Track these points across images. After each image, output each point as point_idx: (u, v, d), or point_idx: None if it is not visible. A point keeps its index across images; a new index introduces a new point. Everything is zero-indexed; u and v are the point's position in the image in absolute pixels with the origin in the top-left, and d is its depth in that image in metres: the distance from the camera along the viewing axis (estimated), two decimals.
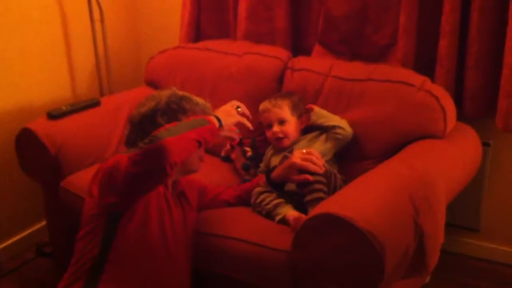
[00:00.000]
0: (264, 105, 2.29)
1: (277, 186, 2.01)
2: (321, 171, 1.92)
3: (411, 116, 2.15)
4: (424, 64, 2.37)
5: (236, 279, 1.85)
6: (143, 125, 1.81)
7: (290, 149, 2.18)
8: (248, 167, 2.26)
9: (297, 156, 1.95)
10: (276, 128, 2.24)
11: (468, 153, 2.25)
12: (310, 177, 1.90)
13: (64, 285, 1.70)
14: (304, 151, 1.97)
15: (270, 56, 2.54)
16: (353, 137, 2.21)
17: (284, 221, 1.90)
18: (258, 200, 2.00)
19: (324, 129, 2.21)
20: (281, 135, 2.23)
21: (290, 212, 1.91)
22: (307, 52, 2.64)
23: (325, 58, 2.55)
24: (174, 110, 1.83)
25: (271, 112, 2.26)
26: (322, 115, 2.22)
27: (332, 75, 2.37)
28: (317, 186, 1.90)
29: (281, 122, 2.24)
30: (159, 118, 1.81)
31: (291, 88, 2.43)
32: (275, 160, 2.18)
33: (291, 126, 2.24)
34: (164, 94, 1.88)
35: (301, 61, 2.50)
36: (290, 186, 2.02)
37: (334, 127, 2.18)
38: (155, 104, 1.83)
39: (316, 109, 2.24)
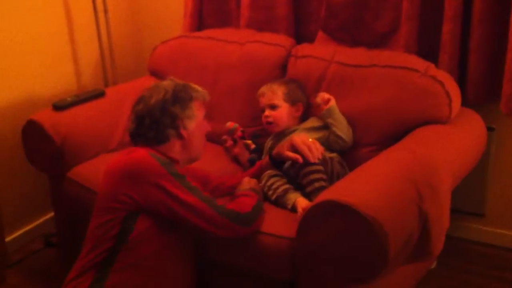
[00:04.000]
0: (261, 89, 2.33)
1: (277, 163, 2.03)
2: (312, 161, 1.93)
3: (415, 102, 2.15)
4: (427, 50, 2.36)
5: (236, 265, 1.87)
6: (154, 117, 1.83)
7: (289, 136, 2.18)
8: (254, 161, 2.26)
9: (300, 137, 1.97)
10: (267, 112, 2.27)
11: (473, 138, 2.24)
12: (300, 159, 1.92)
13: (75, 275, 1.72)
14: (310, 139, 1.99)
15: (272, 44, 2.53)
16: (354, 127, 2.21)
17: (295, 208, 1.91)
18: (268, 183, 2.01)
19: (327, 128, 2.20)
20: (270, 120, 2.26)
21: (300, 199, 1.92)
22: (309, 39, 2.63)
23: (328, 45, 2.55)
24: (183, 98, 1.87)
25: (264, 96, 2.30)
26: (335, 118, 2.17)
27: (336, 61, 2.36)
28: (316, 175, 1.92)
29: (273, 107, 2.27)
30: (171, 108, 1.84)
31: (294, 75, 2.42)
32: None
33: (282, 112, 2.26)
34: (168, 84, 1.90)
35: (304, 48, 2.50)
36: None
37: (338, 136, 2.16)
38: (163, 94, 1.85)
39: (333, 106, 2.19)
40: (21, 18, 2.61)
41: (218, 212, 1.71)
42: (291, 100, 2.29)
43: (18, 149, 2.47)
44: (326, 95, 2.20)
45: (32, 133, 2.34)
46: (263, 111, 2.30)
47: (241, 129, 2.39)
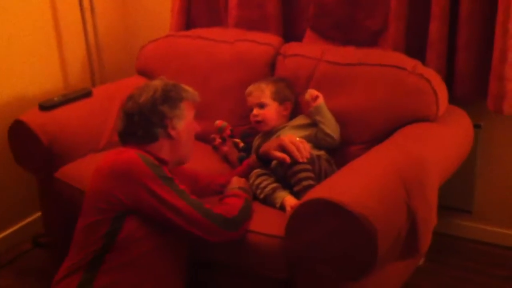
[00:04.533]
0: (248, 88, 2.33)
1: (265, 162, 2.03)
2: (301, 160, 1.93)
3: (403, 100, 2.16)
4: (415, 48, 2.37)
5: (230, 265, 1.87)
6: (143, 115, 1.82)
7: (277, 134, 2.20)
8: (244, 159, 2.27)
9: (288, 137, 1.98)
10: (255, 111, 2.27)
11: (460, 135, 2.25)
12: (288, 159, 1.92)
13: (63, 276, 1.71)
14: (298, 138, 1.99)
15: (261, 43, 2.53)
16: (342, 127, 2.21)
17: (283, 206, 1.91)
18: (256, 182, 2.01)
19: (315, 126, 2.21)
20: (259, 118, 2.26)
21: (288, 198, 1.92)
22: (298, 38, 2.63)
23: (316, 44, 2.55)
24: (172, 98, 1.86)
25: (252, 95, 2.30)
26: (323, 115, 2.18)
27: (324, 60, 2.37)
28: (304, 174, 1.92)
29: (261, 106, 2.27)
30: (160, 106, 1.83)
31: (283, 74, 2.43)
32: None
33: (270, 110, 2.27)
34: (158, 83, 1.90)
35: (292, 47, 2.50)
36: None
37: (326, 134, 2.17)
38: (153, 93, 1.85)
39: (321, 103, 2.19)
40: (6, 17, 2.59)
41: (205, 216, 1.70)
42: (280, 99, 2.29)
43: (5, 149, 2.45)
44: (314, 92, 2.20)
45: (19, 134, 2.33)
46: (251, 110, 2.30)
47: (230, 127, 2.39)
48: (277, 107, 2.28)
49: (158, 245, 1.74)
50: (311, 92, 2.22)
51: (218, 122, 2.40)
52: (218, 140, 2.40)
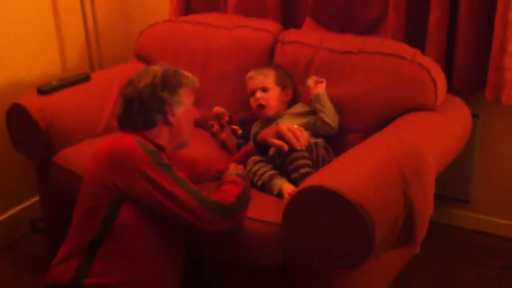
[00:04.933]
0: (250, 73, 2.33)
1: (262, 149, 2.03)
2: (298, 148, 1.93)
3: (401, 89, 2.16)
4: (414, 38, 2.36)
5: (225, 255, 1.87)
6: (142, 100, 1.81)
7: (275, 122, 2.19)
8: (242, 146, 2.27)
9: (286, 125, 1.98)
10: (258, 94, 2.26)
11: (458, 124, 2.25)
12: (285, 147, 1.92)
13: (61, 259, 1.72)
14: (296, 126, 1.99)
15: (260, 30, 2.52)
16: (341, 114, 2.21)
17: (281, 193, 1.92)
18: (254, 169, 2.01)
19: (314, 114, 2.21)
20: (263, 102, 2.25)
21: (285, 185, 1.92)
22: (298, 26, 2.62)
23: (315, 31, 2.54)
24: (172, 84, 1.85)
25: (255, 79, 2.29)
26: (323, 104, 2.17)
27: (323, 47, 2.36)
28: (302, 161, 1.92)
29: (264, 89, 2.27)
30: (160, 92, 1.82)
31: (281, 61, 2.42)
32: None
33: (274, 95, 2.27)
34: (157, 69, 1.88)
35: (291, 34, 2.49)
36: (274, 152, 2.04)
37: (325, 123, 2.16)
38: (152, 78, 1.83)
39: (322, 92, 2.18)
40: (6, 1, 2.57)
41: (202, 204, 1.69)
42: (282, 84, 2.29)
43: (3, 133, 2.44)
44: (319, 78, 2.20)
45: (17, 117, 2.32)
46: (253, 94, 2.29)
47: (228, 114, 2.39)
48: (280, 92, 2.28)
49: (155, 234, 1.74)
50: (316, 77, 2.21)
51: (217, 109, 2.39)
52: (216, 127, 2.40)
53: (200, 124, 2.32)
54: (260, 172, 2.00)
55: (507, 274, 2.38)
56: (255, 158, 2.04)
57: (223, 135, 2.38)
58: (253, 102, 2.29)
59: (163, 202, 1.68)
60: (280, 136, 1.95)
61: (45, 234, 2.65)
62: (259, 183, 1.99)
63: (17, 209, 2.79)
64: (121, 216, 1.68)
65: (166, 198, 1.68)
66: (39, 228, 2.70)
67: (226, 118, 2.38)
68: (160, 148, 1.80)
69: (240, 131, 2.36)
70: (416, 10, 2.35)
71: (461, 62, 2.31)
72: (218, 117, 2.39)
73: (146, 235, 1.72)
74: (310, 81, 2.22)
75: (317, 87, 2.19)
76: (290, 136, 1.94)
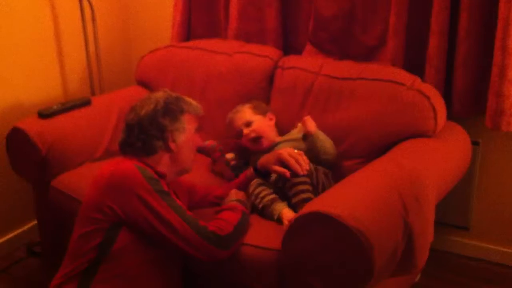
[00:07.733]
0: (228, 118, 2.36)
1: (263, 174, 2.03)
2: (301, 173, 1.92)
3: (401, 115, 2.16)
4: (414, 64, 2.38)
5: (222, 278, 1.85)
6: (142, 127, 1.81)
7: (274, 149, 2.19)
8: (240, 173, 2.26)
9: (286, 150, 1.97)
10: (246, 130, 2.28)
11: (458, 151, 2.25)
12: (288, 173, 1.91)
13: (57, 284, 1.70)
14: (296, 151, 1.99)
15: (260, 55, 2.54)
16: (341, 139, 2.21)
17: (280, 219, 1.91)
18: (256, 192, 2.00)
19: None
20: (254, 134, 2.27)
21: (285, 211, 1.91)
22: (298, 51, 2.64)
23: (315, 57, 2.56)
24: (173, 110, 1.85)
25: (235, 119, 2.33)
26: (318, 145, 2.14)
27: (323, 73, 2.38)
28: (302, 187, 1.92)
29: (248, 124, 2.29)
30: (161, 119, 1.82)
31: (281, 87, 2.44)
32: None
33: (259, 124, 2.29)
34: (160, 95, 1.88)
35: (291, 60, 2.51)
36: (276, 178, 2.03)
37: (324, 159, 2.13)
38: (154, 106, 1.83)
39: (314, 133, 2.14)
40: (8, 25, 2.60)
41: (198, 234, 1.68)
42: (261, 112, 2.33)
43: (2, 156, 2.44)
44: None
45: (17, 141, 2.32)
46: (241, 134, 2.30)
47: (220, 147, 2.39)
48: (263, 119, 2.31)
49: (153, 259, 1.73)
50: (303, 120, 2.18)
51: (208, 143, 2.40)
52: (209, 160, 2.40)
53: (199, 149, 2.32)
54: (261, 195, 1.99)
55: None
56: (258, 180, 2.03)
57: (217, 167, 2.38)
58: (245, 141, 2.30)
59: (159, 229, 1.67)
60: (281, 162, 1.95)
61: (41, 258, 2.63)
62: (260, 206, 1.98)
63: (14, 233, 2.78)
64: (118, 242, 1.67)
65: (162, 225, 1.67)
66: (36, 253, 2.68)
67: (217, 153, 2.38)
68: (160, 175, 1.79)
69: (233, 162, 2.35)
70: (415, 36, 2.37)
71: (460, 87, 2.31)
72: (210, 151, 2.39)
73: (143, 261, 1.71)
74: (300, 125, 2.22)
75: (308, 125, 2.16)
76: (292, 161, 1.93)
